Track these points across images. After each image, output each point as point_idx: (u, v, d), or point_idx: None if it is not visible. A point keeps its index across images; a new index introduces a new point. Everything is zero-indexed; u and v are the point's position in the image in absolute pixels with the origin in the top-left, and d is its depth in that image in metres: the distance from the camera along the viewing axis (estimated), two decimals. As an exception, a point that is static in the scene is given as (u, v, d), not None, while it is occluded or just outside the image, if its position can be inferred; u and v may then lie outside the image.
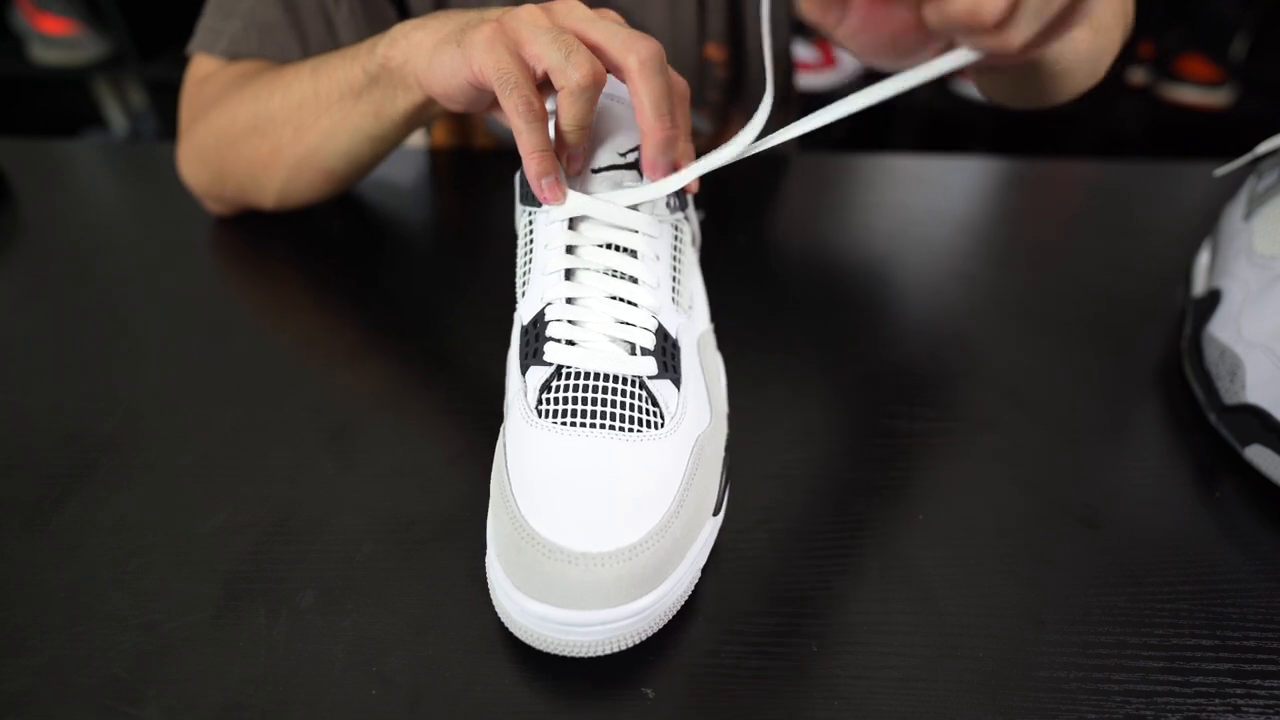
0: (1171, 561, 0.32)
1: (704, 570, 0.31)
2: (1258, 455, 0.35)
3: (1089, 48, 0.43)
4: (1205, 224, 0.52)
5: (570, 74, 0.31)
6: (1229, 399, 0.37)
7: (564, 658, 0.28)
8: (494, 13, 0.36)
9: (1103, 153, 1.47)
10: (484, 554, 0.31)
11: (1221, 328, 0.39)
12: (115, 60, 1.43)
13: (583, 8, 0.34)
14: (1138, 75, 1.45)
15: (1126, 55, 1.37)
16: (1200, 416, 0.39)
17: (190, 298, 0.46)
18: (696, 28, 0.61)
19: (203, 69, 0.54)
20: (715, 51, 0.63)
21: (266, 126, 0.47)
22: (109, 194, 0.59)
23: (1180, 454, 0.38)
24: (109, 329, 0.44)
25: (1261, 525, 0.34)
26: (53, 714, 0.26)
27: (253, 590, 0.30)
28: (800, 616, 0.30)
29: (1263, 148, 0.45)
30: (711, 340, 0.37)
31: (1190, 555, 0.32)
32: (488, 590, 0.30)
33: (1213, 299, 0.42)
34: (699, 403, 0.32)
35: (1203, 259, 0.48)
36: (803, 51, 1.43)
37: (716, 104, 0.65)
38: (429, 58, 0.37)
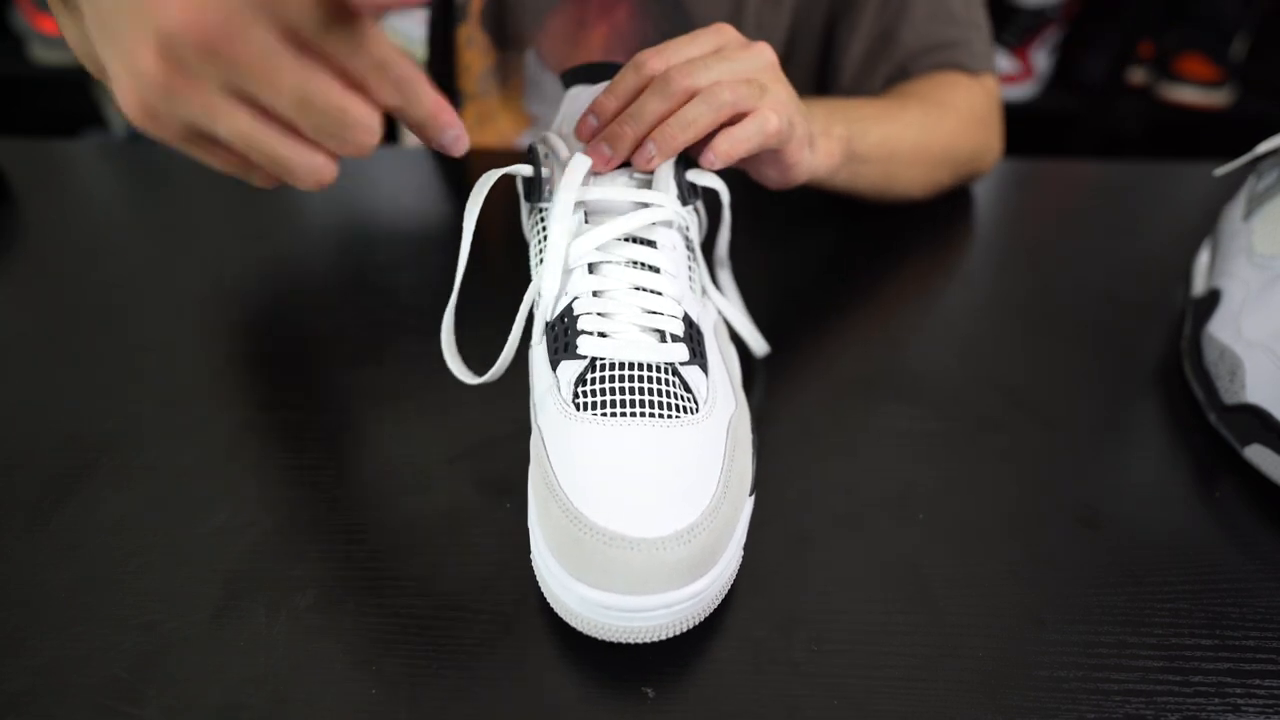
0: (1171, 561, 0.32)
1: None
2: (1257, 455, 0.35)
3: (879, 173, 0.51)
4: (1205, 224, 0.52)
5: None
6: (1229, 399, 0.37)
7: (569, 655, 0.28)
8: None
9: (1103, 153, 1.47)
10: (483, 551, 0.31)
11: (1221, 327, 0.39)
12: (115, 60, 1.43)
13: None
14: (1138, 75, 1.45)
15: (1126, 55, 1.37)
16: (1200, 416, 0.39)
17: (190, 297, 0.46)
18: (754, 25, 0.61)
19: None
20: None
21: None
22: (109, 194, 0.59)
23: (1180, 454, 0.38)
24: (109, 329, 0.44)
25: (1261, 525, 0.34)
26: (53, 714, 0.26)
27: (253, 590, 0.30)
28: (800, 616, 0.30)
29: (1263, 147, 0.45)
30: (724, 328, 0.38)
31: (1190, 555, 0.32)
32: (486, 589, 0.30)
33: (1212, 299, 0.42)
34: (725, 387, 0.33)
35: (1202, 259, 0.48)
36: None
37: None
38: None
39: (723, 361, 0.34)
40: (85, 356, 0.42)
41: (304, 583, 0.30)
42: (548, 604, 0.29)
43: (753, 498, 0.32)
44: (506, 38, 0.63)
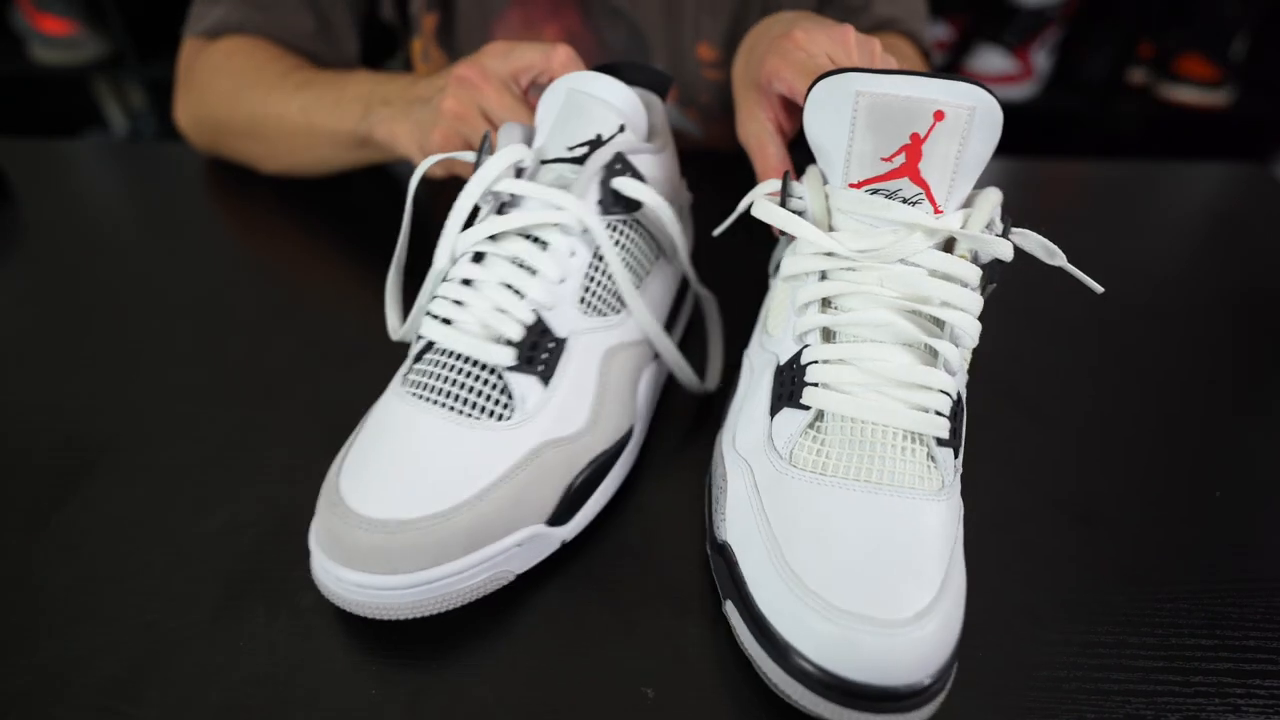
0: (1171, 561, 0.32)
1: (699, 569, 0.31)
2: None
3: None
4: (1204, 224, 0.52)
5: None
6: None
7: (569, 655, 0.28)
8: (439, 91, 0.44)
9: (1103, 153, 1.47)
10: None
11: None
12: (115, 60, 1.43)
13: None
14: (1137, 75, 1.45)
15: (1126, 55, 1.37)
16: (1200, 416, 0.39)
17: (190, 297, 0.46)
18: (692, 26, 0.61)
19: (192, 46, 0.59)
20: (707, 52, 0.63)
21: (262, 136, 0.53)
22: (109, 194, 0.59)
23: (1180, 454, 0.38)
24: (109, 329, 0.44)
25: (1262, 525, 0.34)
26: (53, 714, 0.26)
27: (253, 590, 0.30)
28: (800, 616, 0.30)
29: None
30: (647, 352, 0.36)
31: (1190, 555, 0.32)
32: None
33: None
34: (573, 408, 0.32)
35: None
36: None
37: (706, 106, 0.65)
38: (410, 149, 0.46)
39: (597, 384, 0.33)
40: (85, 356, 0.42)
41: (304, 583, 0.30)
42: (547, 603, 0.29)
43: (557, 529, 0.30)
44: (459, 53, 0.63)
